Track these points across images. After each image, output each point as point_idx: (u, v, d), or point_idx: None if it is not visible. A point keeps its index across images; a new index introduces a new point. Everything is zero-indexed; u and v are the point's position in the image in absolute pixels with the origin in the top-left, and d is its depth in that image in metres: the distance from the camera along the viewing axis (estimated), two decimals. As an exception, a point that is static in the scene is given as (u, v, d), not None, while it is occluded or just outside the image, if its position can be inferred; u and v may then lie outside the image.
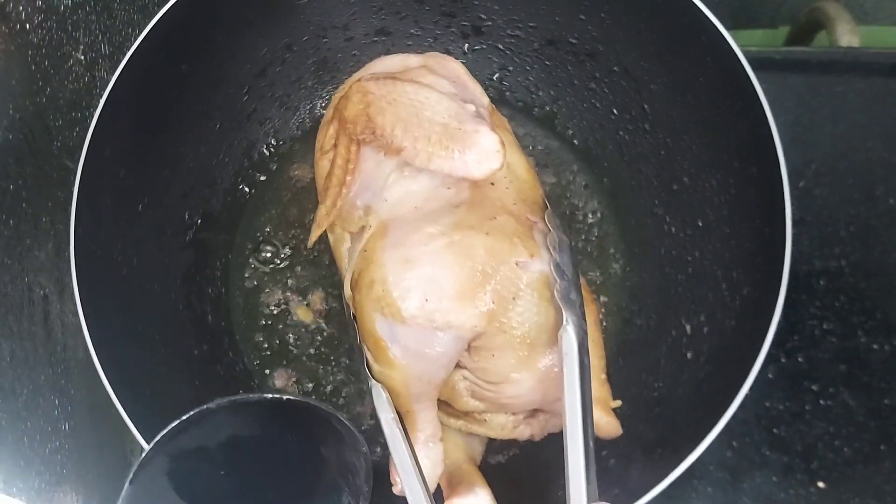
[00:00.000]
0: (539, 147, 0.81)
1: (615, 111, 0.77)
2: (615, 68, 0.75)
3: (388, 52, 0.77)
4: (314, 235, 0.65)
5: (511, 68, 0.82)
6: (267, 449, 0.53)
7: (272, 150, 0.83)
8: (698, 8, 0.64)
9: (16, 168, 0.66)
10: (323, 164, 0.66)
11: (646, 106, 0.74)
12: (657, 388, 0.66)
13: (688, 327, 0.67)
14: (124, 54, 0.80)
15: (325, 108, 0.83)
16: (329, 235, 0.66)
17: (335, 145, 0.64)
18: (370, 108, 0.61)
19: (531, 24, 0.79)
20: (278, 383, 0.75)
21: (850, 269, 0.75)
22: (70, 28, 0.71)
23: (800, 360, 0.72)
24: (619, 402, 0.63)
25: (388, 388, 0.58)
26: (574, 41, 0.76)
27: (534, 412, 0.63)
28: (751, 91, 0.61)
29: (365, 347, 0.59)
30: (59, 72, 0.70)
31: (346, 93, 0.65)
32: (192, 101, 0.75)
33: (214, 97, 0.77)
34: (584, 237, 0.77)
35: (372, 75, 0.66)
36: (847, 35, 0.84)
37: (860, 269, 0.75)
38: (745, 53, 0.85)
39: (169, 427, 0.49)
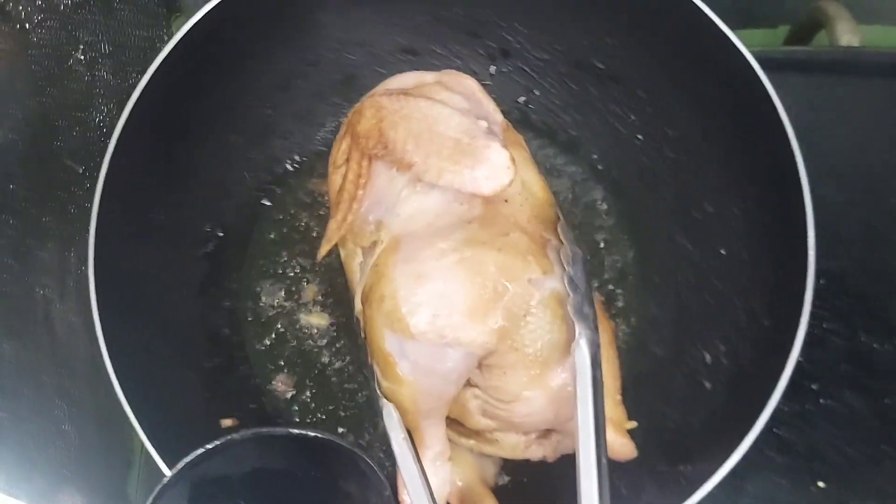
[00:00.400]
0: (562, 171, 0.80)
1: (639, 136, 0.76)
2: (640, 93, 0.74)
3: (415, 67, 0.78)
4: (323, 250, 0.65)
5: (537, 91, 0.81)
6: (289, 483, 0.54)
7: (294, 164, 0.82)
8: (726, 35, 0.63)
9: (18, 168, 0.66)
10: (335, 179, 0.66)
11: (670, 132, 0.73)
12: (672, 417, 0.66)
13: (706, 356, 0.66)
14: (125, 54, 0.80)
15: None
16: (341, 250, 0.66)
17: (347, 160, 0.64)
18: (383, 123, 0.61)
19: (558, 47, 0.78)
20: (290, 396, 0.75)
21: (852, 269, 0.75)
22: (71, 28, 0.71)
23: (801, 359, 0.72)
24: (634, 424, 0.62)
25: (397, 404, 0.57)
26: (600, 65, 0.76)
27: (546, 432, 0.63)
28: (776, 120, 0.61)
29: (374, 364, 0.59)
30: (60, 72, 0.70)
31: (359, 108, 0.64)
32: (215, 112, 0.75)
33: (237, 109, 0.76)
34: (604, 263, 0.77)
35: (385, 90, 0.66)
36: (847, 34, 0.83)
37: (862, 270, 0.75)
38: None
39: (193, 455, 0.49)
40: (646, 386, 0.69)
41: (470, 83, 0.68)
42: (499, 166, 0.59)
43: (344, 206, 0.63)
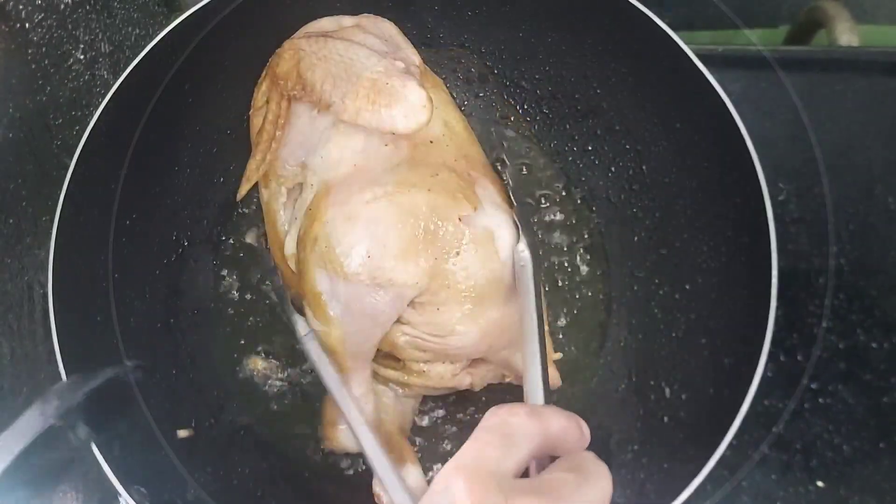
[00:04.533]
0: (534, 199, 0.80)
1: (613, 169, 0.77)
2: (616, 127, 0.75)
3: None
4: (243, 189, 0.66)
5: (513, 118, 0.82)
6: None
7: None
8: (705, 77, 0.64)
9: (16, 167, 0.66)
10: (256, 122, 0.66)
11: (644, 167, 0.74)
12: (631, 450, 0.66)
13: (667, 391, 0.66)
14: (124, 53, 0.80)
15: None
16: (262, 191, 0.66)
17: (267, 102, 0.64)
18: (301, 65, 0.62)
19: (536, 77, 0.79)
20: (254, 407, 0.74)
21: (848, 267, 0.75)
22: (70, 27, 0.72)
23: (799, 358, 0.72)
24: (559, 355, 0.64)
25: (325, 345, 0.58)
26: (577, 97, 0.77)
27: (475, 361, 0.63)
28: (748, 163, 0.61)
29: (305, 306, 0.60)
30: (59, 70, 0.70)
31: (278, 51, 0.65)
32: (193, 120, 0.74)
33: (215, 119, 0.76)
34: (574, 295, 0.76)
35: (305, 33, 0.66)
36: (846, 34, 0.84)
37: (859, 268, 0.75)
38: (745, 52, 0.85)
39: None
40: (606, 418, 0.70)
41: (388, 26, 0.68)
42: (415, 105, 0.59)
43: (263, 146, 0.63)
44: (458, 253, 0.57)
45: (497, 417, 0.43)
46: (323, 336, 0.58)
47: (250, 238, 0.79)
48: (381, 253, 0.55)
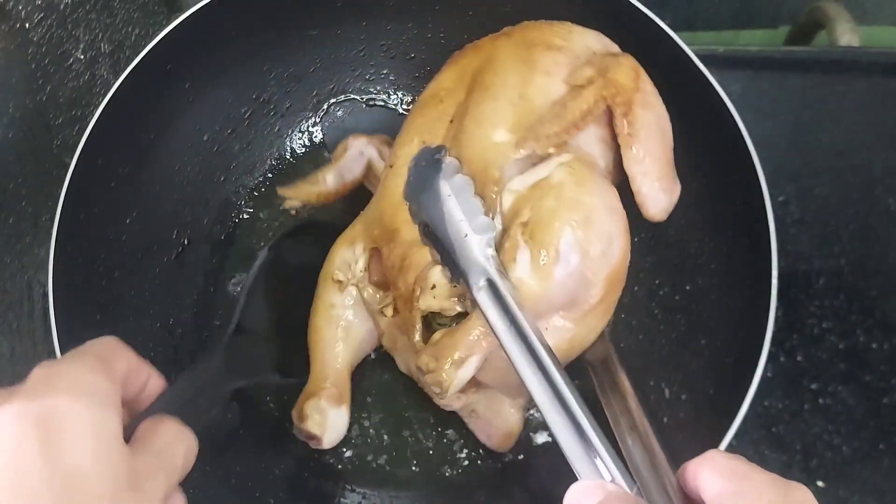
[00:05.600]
0: None
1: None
2: None
3: (394, 89, 0.81)
4: (525, 148, 0.63)
5: None
6: None
7: (270, 175, 0.82)
8: (706, 77, 0.64)
9: (16, 166, 0.66)
10: (551, 87, 0.63)
11: None
12: None
13: (667, 392, 0.67)
14: (125, 53, 0.80)
15: (325, 138, 0.83)
16: None
17: (582, 87, 0.63)
18: (636, 95, 0.61)
19: None
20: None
21: (849, 268, 0.75)
22: (70, 26, 0.72)
23: (799, 358, 0.72)
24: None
25: (517, 295, 0.55)
26: None
27: (474, 387, 0.61)
28: (750, 166, 0.62)
29: (524, 246, 0.56)
30: (59, 70, 0.70)
31: (621, 60, 0.63)
32: (193, 119, 0.74)
33: (215, 118, 0.76)
34: None
35: (636, 70, 0.65)
36: (847, 35, 0.84)
37: (859, 269, 0.75)
38: (745, 53, 0.85)
39: None
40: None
41: None
42: (672, 204, 0.61)
43: (565, 123, 0.62)
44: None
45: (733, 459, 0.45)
46: (521, 284, 0.55)
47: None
48: (608, 260, 0.56)
